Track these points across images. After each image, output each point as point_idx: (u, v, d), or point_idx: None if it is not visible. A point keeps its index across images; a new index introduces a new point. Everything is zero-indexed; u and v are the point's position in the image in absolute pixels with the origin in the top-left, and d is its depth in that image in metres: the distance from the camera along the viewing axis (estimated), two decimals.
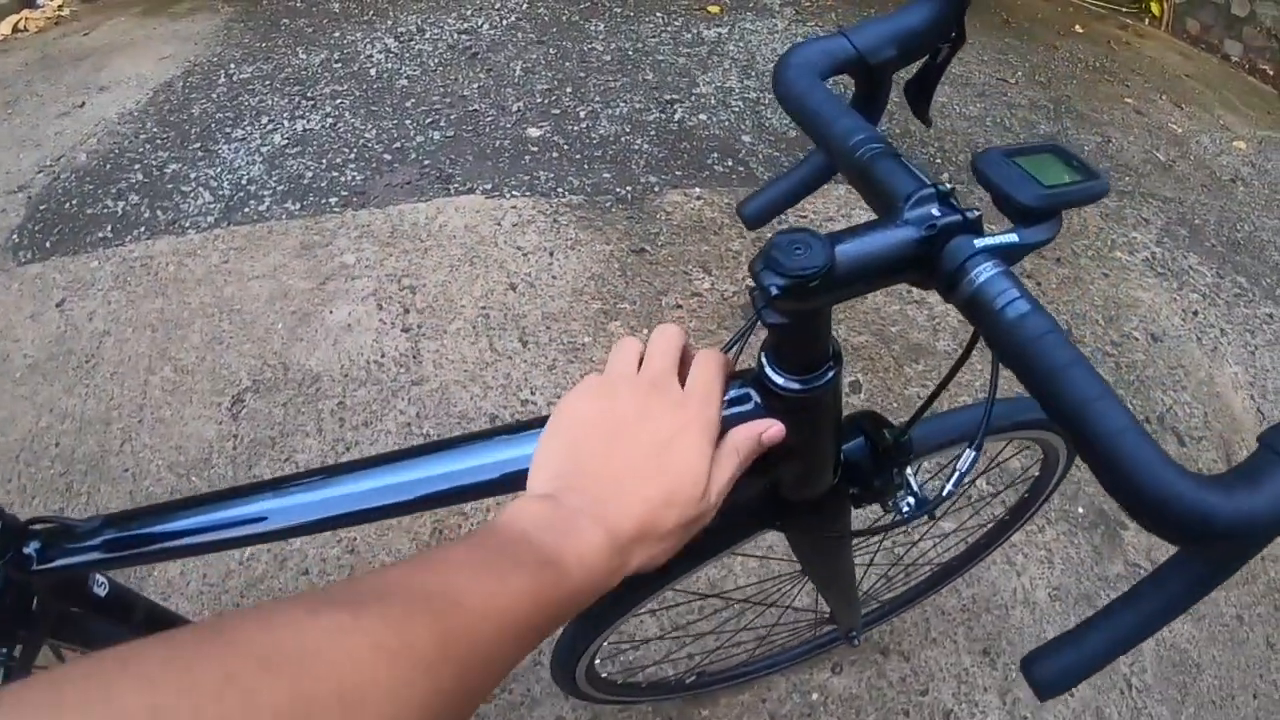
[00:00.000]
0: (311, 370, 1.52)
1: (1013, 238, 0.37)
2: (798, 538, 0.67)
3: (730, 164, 2.08)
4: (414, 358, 1.52)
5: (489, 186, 1.94)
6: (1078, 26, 3.59)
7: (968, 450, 0.47)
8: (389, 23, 2.92)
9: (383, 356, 1.54)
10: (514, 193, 1.92)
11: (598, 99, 2.35)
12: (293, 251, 1.79)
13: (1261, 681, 1.26)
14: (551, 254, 1.73)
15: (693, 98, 2.37)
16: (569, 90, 2.39)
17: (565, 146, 2.13)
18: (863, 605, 1.03)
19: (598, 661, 0.87)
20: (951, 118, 2.55)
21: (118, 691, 0.18)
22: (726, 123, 2.25)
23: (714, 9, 3.03)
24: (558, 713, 1.10)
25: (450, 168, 2.01)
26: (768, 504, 0.60)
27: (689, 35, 2.83)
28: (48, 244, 2.05)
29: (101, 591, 0.56)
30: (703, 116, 2.25)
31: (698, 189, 1.96)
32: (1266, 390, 1.68)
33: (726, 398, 0.42)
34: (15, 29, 3.93)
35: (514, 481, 0.41)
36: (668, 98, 2.35)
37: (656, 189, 1.95)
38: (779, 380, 0.42)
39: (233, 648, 0.20)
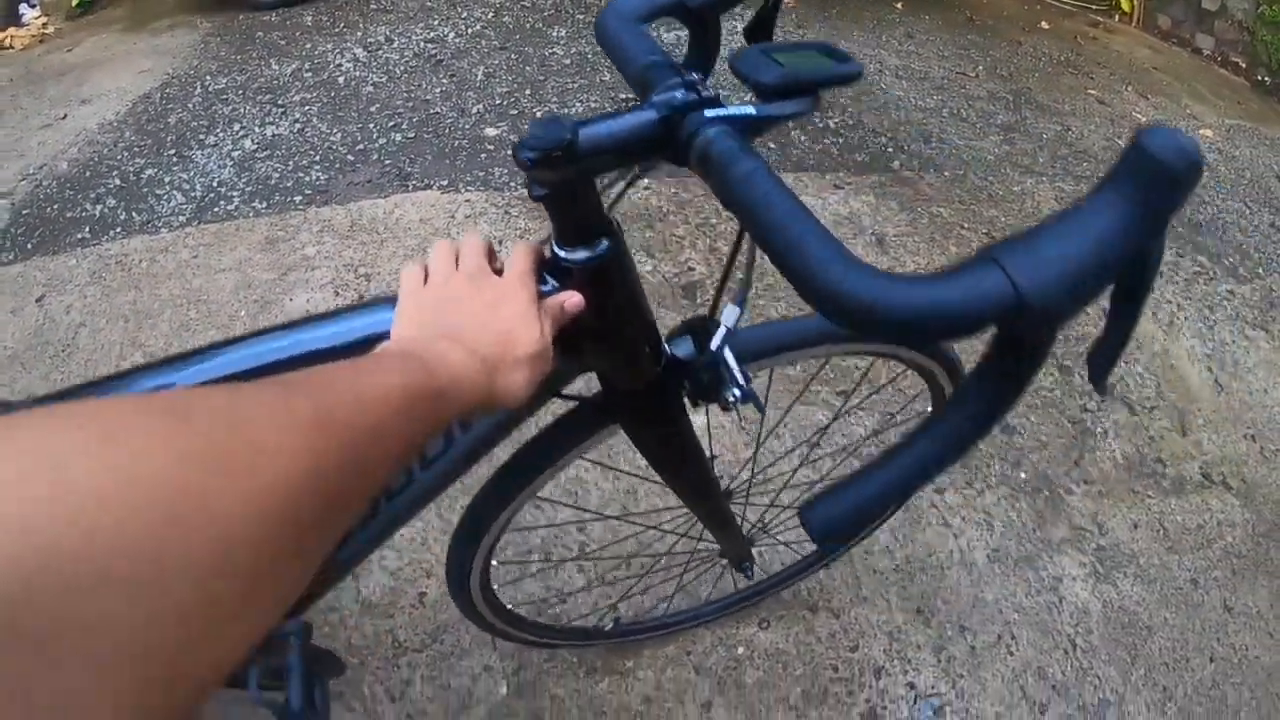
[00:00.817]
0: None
1: (747, 109, 0.43)
2: (640, 435, 0.77)
3: None
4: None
5: (445, 183, 2.13)
6: (1044, 23, 3.79)
7: (730, 305, 0.61)
8: (359, 34, 3.15)
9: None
10: (469, 188, 2.12)
11: (555, 99, 2.55)
12: (258, 246, 1.98)
13: (1219, 645, 1.30)
14: (501, 243, 1.91)
15: (608, 94, 2.57)
16: (528, 92, 2.60)
17: None
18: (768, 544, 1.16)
19: (496, 588, 0.99)
20: (906, 109, 2.74)
21: (15, 428, 0.20)
22: None
23: None
24: (485, 662, 1.24)
25: (409, 166, 2.21)
26: (607, 401, 0.73)
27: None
28: (29, 245, 2.25)
29: None
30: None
31: (645, 180, 2.14)
32: (1225, 362, 1.81)
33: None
34: (0, 46, 4.17)
35: (378, 341, 0.55)
36: (624, 96, 2.56)
37: (606, 180, 2.14)
38: (563, 254, 0.52)
39: (141, 400, 0.23)
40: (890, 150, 2.47)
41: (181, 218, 2.17)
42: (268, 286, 1.86)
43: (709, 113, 0.44)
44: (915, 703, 1.19)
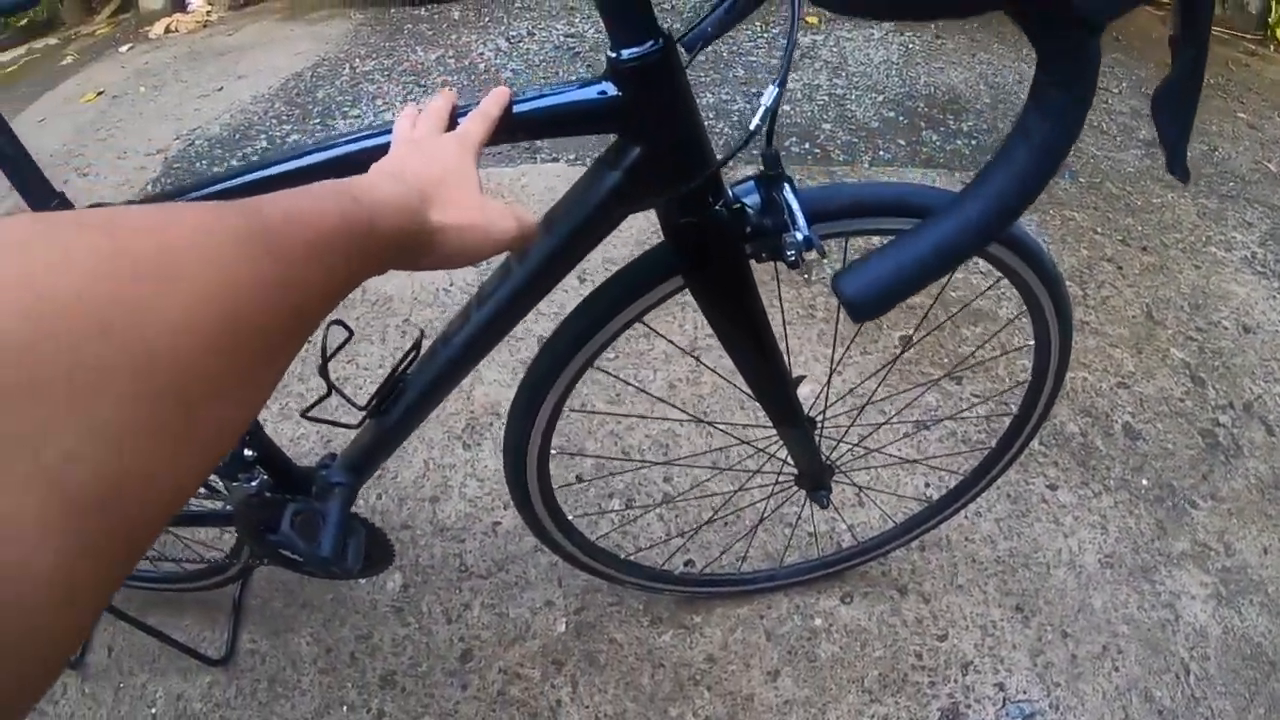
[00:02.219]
0: (385, 293, 1.96)
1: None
2: (704, 288, 0.83)
3: (807, 147, 2.44)
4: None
5: (572, 157, 2.39)
6: None
7: (771, 86, 0.67)
8: (502, 28, 3.57)
9: (450, 285, 1.95)
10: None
11: None
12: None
13: None
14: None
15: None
16: None
17: None
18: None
19: (556, 487, 1.05)
20: None
21: None
22: (809, 114, 2.63)
23: (812, 20, 3.47)
24: (548, 597, 1.36)
25: (541, 143, 2.47)
26: (669, 247, 0.80)
27: (784, 40, 3.28)
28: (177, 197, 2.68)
29: None
30: (786, 108, 2.64)
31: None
32: None
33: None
34: (167, 30, 4.99)
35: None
36: (754, 90, 2.76)
37: (731, 166, 2.32)
38: (621, 54, 0.63)
39: (71, 215, 0.24)
40: None
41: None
42: None
43: None
44: (1004, 705, 1.20)
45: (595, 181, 0.72)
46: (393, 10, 4.05)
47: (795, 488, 1.17)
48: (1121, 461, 1.56)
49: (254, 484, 0.98)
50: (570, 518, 1.12)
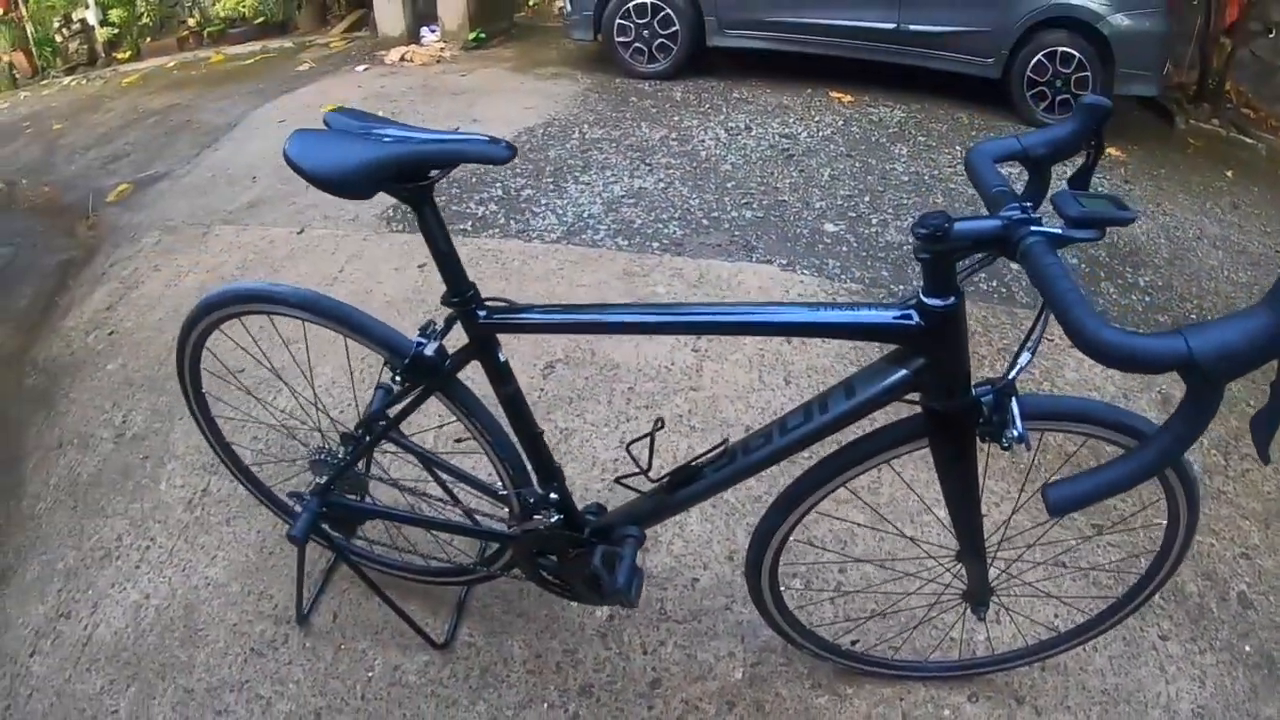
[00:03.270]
0: (613, 360, 2.43)
1: (1055, 230, 0.87)
2: (939, 452, 1.17)
3: (994, 285, 2.79)
4: (697, 371, 2.37)
5: (784, 262, 2.84)
6: None
7: (1025, 353, 1.03)
8: (721, 117, 4.14)
9: (672, 365, 2.41)
10: (804, 271, 2.79)
11: (890, 210, 3.22)
12: (616, 274, 2.80)
13: None
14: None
15: None
16: (866, 199, 3.30)
17: (854, 244, 2.99)
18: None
19: (782, 568, 1.43)
20: (1218, 279, 3.08)
21: None
22: None
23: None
24: (731, 649, 1.66)
25: (755, 241, 2.96)
26: (925, 422, 1.14)
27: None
28: (416, 223, 3.33)
29: (502, 359, 1.24)
30: None
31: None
32: None
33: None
34: (402, 58, 5.90)
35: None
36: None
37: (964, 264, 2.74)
38: (929, 301, 0.99)
39: None
40: (1194, 317, 2.78)
41: (553, 234, 3.09)
42: None
43: (1033, 229, 0.90)
44: None
45: (883, 376, 1.11)
46: (617, 80, 4.73)
47: (961, 601, 1.51)
48: (1230, 626, 1.77)
49: (552, 519, 1.37)
50: (782, 589, 1.52)
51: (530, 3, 6.63)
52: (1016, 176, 1.10)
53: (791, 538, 1.38)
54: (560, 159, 3.73)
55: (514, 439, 1.35)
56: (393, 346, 1.30)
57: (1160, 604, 1.83)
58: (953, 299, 1.01)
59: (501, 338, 1.25)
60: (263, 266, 3.22)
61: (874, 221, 3.15)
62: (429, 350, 1.25)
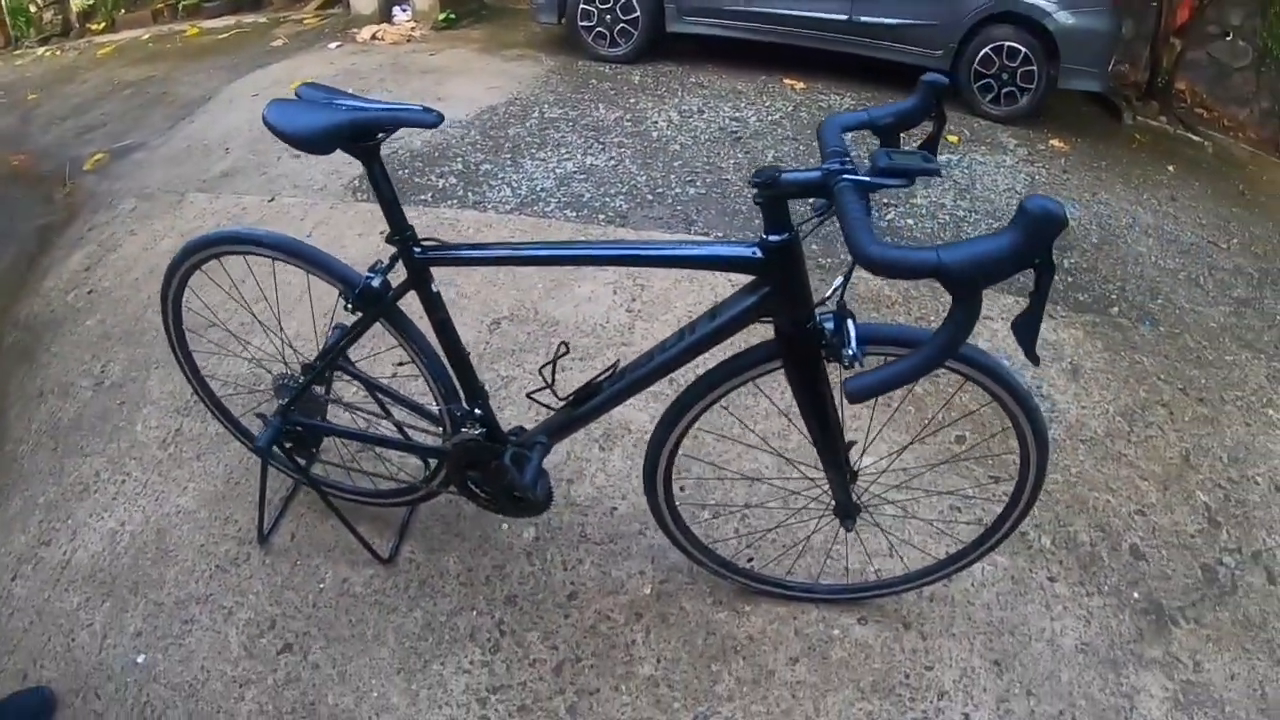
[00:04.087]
0: (553, 317, 2.62)
1: (863, 178, 1.03)
2: (793, 373, 1.34)
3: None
4: (629, 329, 2.57)
5: (720, 234, 3.04)
6: None
7: (839, 278, 1.22)
8: (675, 100, 4.32)
9: (606, 323, 2.60)
10: (729, 236, 3.00)
11: None
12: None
13: None
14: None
15: (907, 205, 3.37)
16: None
17: None
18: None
19: (677, 489, 1.62)
20: (1144, 265, 3.29)
21: None
22: (929, 229, 3.20)
23: (953, 139, 4.07)
24: (641, 568, 1.81)
25: (695, 216, 3.15)
26: (778, 345, 1.31)
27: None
28: (359, 196, 3.48)
29: (434, 289, 1.45)
30: (910, 221, 3.23)
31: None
32: None
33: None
34: (373, 37, 6.00)
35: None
36: (886, 201, 3.37)
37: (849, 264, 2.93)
38: (770, 238, 1.17)
39: None
40: (1114, 297, 2.99)
41: (506, 207, 3.26)
42: (564, 273, 2.81)
43: (845, 176, 1.04)
44: None
45: (738, 302, 1.29)
46: (580, 63, 4.88)
47: (833, 516, 1.67)
48: (1120, 574, 1.93)
49: (475, 432, 1.56)
50: (678, 504, 1.69)
51: None
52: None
53: (680, 452, 1.56)
54: (519, 136, 3.89)
55: (445, 361, 1.54)
56: (347, 280, 1.50)
57: (1050, 548, 1.97)
58: (787, 235, 1.19)
59: (454, 292, 1.44)
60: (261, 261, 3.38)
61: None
62: (375, 282, 1.46)
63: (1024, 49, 4.48)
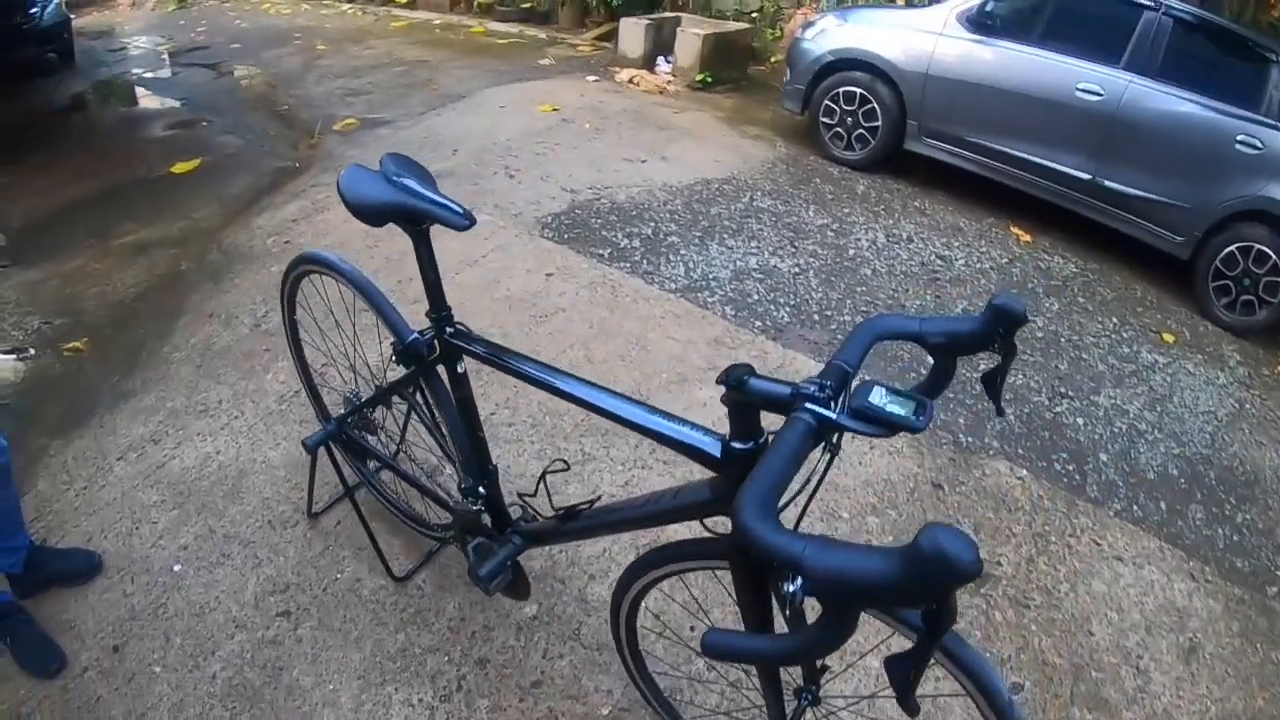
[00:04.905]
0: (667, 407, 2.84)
1: (827, 413, 0.96)
2: (740, 575, 1.29)
3: (1072, 469, 2.88)
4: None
5: (866, 378, 3.12)
6: None
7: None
8: (889, 221, 4.45)
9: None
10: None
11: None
12: (706, 338, 3.21)
13: None
14: (872, 446, 2.81)
15: (1086, 401, 3.26)
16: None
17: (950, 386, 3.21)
18: None
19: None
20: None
21: None
22: (1098, 436, 3.07)
23: (1169, 338, 3.87)
24: (613, 689, 2.05)
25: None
26: (725, 546, 1.28)
27: (1126, 349, 3.74)
28: (565, 235, 3.88)
29: (460, 369, 1.67)
30: (1080, 420, 3.12)
31: (1026, 472, 2.84)
32: None
33: None
34: (631, 80, 6.59)
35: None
36: (1063, 390, 3.29)
37: (990, 451, 2.89)
38: (735, 445, 1.12)
39: None
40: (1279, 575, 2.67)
41: (672, 285, 3.55)
42: (694, 371, 3.03)
43: (808, 405, 0.97)
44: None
45: (695, 493, 1.29)
46: (811, 157, 5.16)
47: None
48: None
49: (475, 507, 1.77)
50: (640, 648, 1.73)
51: (771, 59, 7.17)
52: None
53: (643, 605, 1.63)
54: (718, 217, 4.19)
55: (464, 434, 1.75)
56: (399, 332, 1.75)
57: None
58: (751, 445, 1.13)
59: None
60: None
61: (981, 367, 3.31)
62: (420, 344, 1.69)
63: (1275, 256, 4.19)
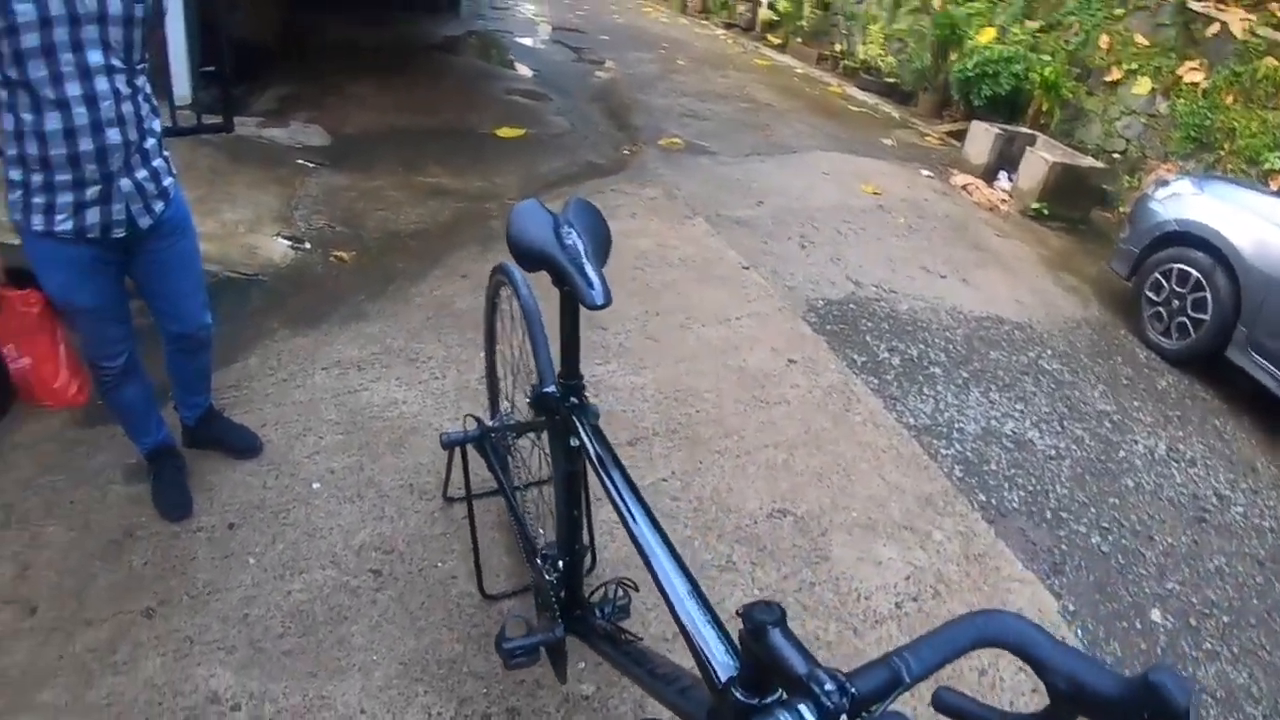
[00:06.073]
0: (843, 550, 2.61)
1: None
2: None
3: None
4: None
5: (1070, 607, 2.68)
6: None
7: None
8: (1176, 432, 3.69)
9: (883, 588, 2.53)
10: (1086, 617, 2.61)
11: (1244, 667, 2.75)
12: (917, 494, 2.90)
13: None
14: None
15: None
16: (1252, 624, 2.82)
17: (1169, 634, 2.65)
18: None
19: None
20: None
21: None
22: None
23: None
24: None
25: (1072, 570, 2.82)
26: None
27: None
28: (827, 326, 3.73)
29: (574, 443, 1.50)
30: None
31: None
32: None
33: None
34: (964, 187, 6.26)
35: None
36: (1208, 646, 2.59)
37: None
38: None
39: None
40: None
41: (911, 420, 3.25)
42: (887, 524, 2.70)
43: (800, 707, 0.78)
44: None
45: (693, 699, 1.15)
46: (1120, 332, 4.57)
47: None
48: None
49: (547, 576, 1.70)
50: None
51: (1119, 208, 6.51)
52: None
53: None
54: (993, 364, 3.82)
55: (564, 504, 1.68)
56: (541, 375, 1.72)
57: None
58: (756, 701, 0.95)
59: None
60: (688, 268, 3.97)
61: (1219, 661, 2.75)
62: (551, 398, 1.61)
63: None
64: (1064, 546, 2.91)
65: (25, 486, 2.26)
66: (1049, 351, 4.18)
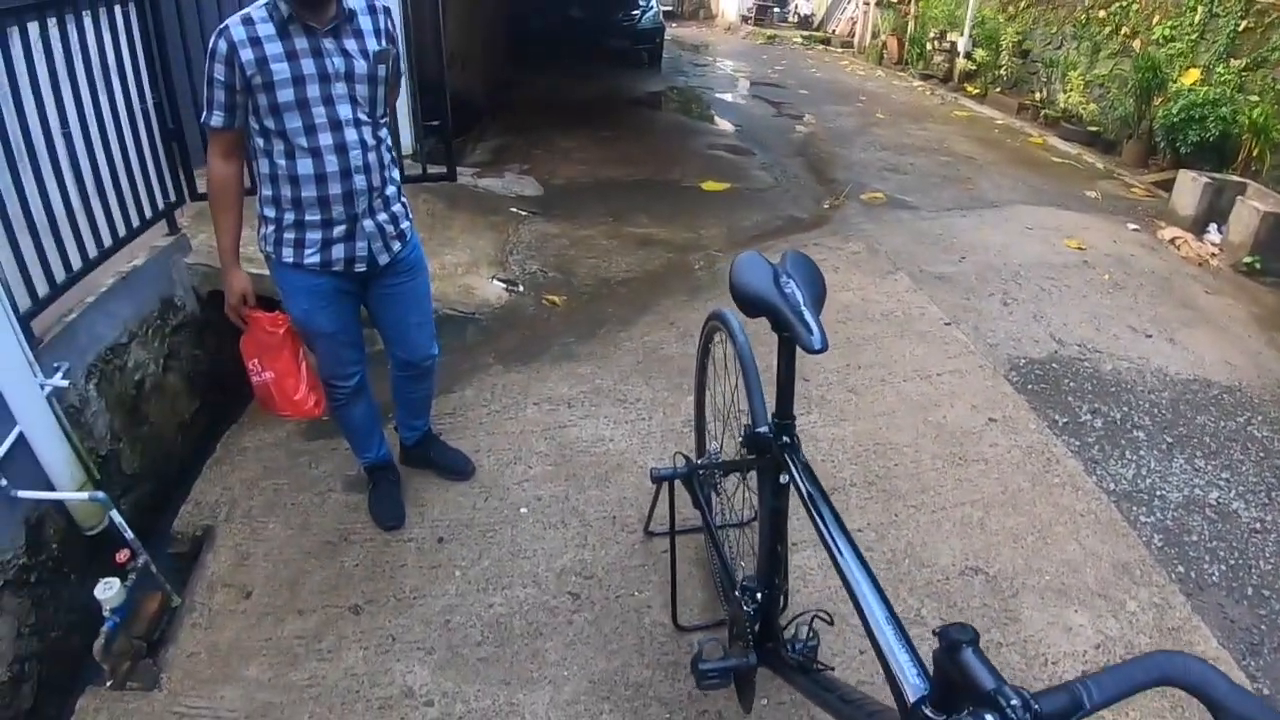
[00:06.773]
0: (1032, 611, 2.56)
1: None
2: None
3: None
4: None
5: (1265, 690, 2.47)
6: None
7: None
8: None
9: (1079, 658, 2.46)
10: None
11: None
12: (1114, 561, 2.76)
13: None
14: None
15: None
16: None
17: None
18: None
19: None
20: None
21: None
22: None
23: None
24: None
25: (1262, 646, 2.58)
26: None
27: None
28: (1028, 386, 3.66)
29: (782, 480, 1.59)
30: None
31: None
32: None
33: None
34: (1172, 240, 5.85)
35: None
36: None
37: None
38: None
39: None
40: None
41: (1112, 485, 3.11)
42: (1080, 590, 2.60)
43: (988, 715, 0.87)
44: None
45: None
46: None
47: None
48: None
49: (745, 608, 1.78)
50: None
51: None
52: None
53: None
54: (1200, 429, 3.57)
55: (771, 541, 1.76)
56: (755, 415, 1.81)
57: None
58: (945, 717, 1.03)
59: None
60: (889, 322, 4.06)
61: None
62: (765, 437, 1.70)
63: None
64: (1263, 626, 2.73)
65: (251, 486, 2.64)
66: (1259, 418, 3.87)
